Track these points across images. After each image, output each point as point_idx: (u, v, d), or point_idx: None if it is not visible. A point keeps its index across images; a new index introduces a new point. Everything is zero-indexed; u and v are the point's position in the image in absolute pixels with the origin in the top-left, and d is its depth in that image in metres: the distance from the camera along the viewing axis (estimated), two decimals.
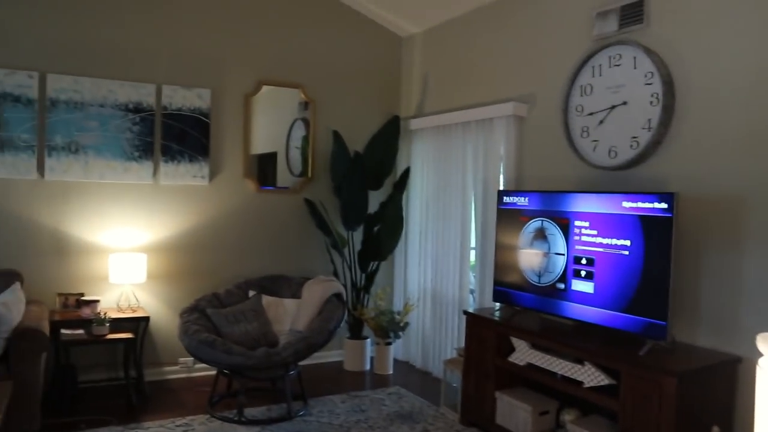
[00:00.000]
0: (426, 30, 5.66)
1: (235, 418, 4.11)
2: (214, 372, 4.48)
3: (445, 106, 5.30)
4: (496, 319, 4.04)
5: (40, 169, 4.51)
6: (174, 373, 5.01)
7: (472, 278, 4.95)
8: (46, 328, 3.83)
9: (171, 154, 4.92)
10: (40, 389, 3.68)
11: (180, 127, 4.94)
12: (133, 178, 4.80)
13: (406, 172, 5.65)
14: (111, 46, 4.72)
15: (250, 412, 4.26)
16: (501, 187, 4.59)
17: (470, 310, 4.35)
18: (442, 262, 5.24)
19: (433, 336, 5.33)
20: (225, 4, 5.12)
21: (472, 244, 4.95)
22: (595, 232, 3.49)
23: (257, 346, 4.27)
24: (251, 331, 4.45)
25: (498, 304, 4.28)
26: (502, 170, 4.60)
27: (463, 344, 4.32)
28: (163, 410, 4.29)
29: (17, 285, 4.11)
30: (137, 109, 4.78)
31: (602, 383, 3.25)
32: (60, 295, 4.54)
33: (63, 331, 4.21)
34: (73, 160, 4.59)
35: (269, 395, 4.61)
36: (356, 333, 5.48)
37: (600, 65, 3.83)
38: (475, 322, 4.15)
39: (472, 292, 4.94)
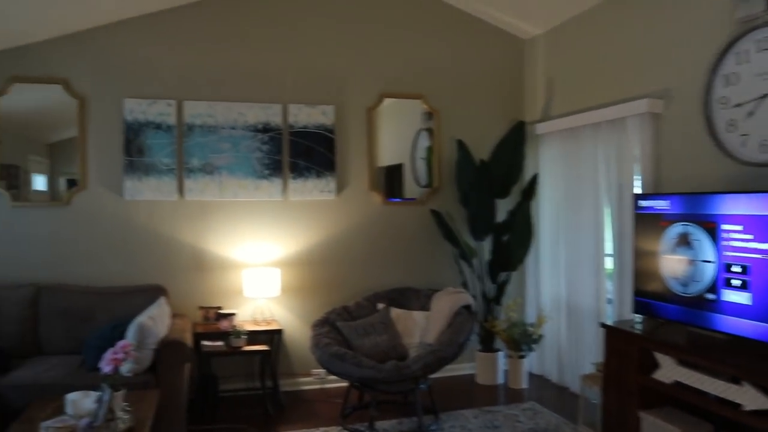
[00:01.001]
0: (548, 30, 5.44)
1: (367, 431, 4.13)
2: (346, 383, 4.52)
3: (573, 108, 5.06)
4: (638, 332, 3.75)
5: (180, 190, 4.81)
6: (308, 384, 5.12)
7: (609, 287, 4.65)
8: (188, 340, 4.06)
9: (299, 171, 5.06)
10: (185, 397, 3.91)
11: (306, 144, 5.07)
12: (264, 196, 4.99)
13: (534, 179, 5.44)
14: (240, 71, 4.96)
15: (382, 425, 4.26)
16: (637, 191, 4.28)
17: (608, 322, 4.08)
18: (576, 271, 4.98)
19: (569, 349, 5.07)
20: (344, 21, 5.21)
21: (607, 251, 4.65)
22: (750, 237, 3.14)
23: (387, 359, 4.27)
24: (381, 344, 4.45)
25: (639, 315, 3.98)
26: (637, 172, 4.30)
27: (601, 358, 4.06)
28: (297, 420, 4.39)
29: (163, 299, 4.39)
30: (266, 129, 4.98)
31: (766, 407, 2.90)
32: (201, 308, 4.80)
33: (204, 342, 4.45)
34: (209, 180, 4.85)
35: (400, 408, 4.58)
36: (488, 345, 5.34)
37: (746, 51, 3.47)
38: (614, 335, 3.88)
39: (609, 302, 4.64)
